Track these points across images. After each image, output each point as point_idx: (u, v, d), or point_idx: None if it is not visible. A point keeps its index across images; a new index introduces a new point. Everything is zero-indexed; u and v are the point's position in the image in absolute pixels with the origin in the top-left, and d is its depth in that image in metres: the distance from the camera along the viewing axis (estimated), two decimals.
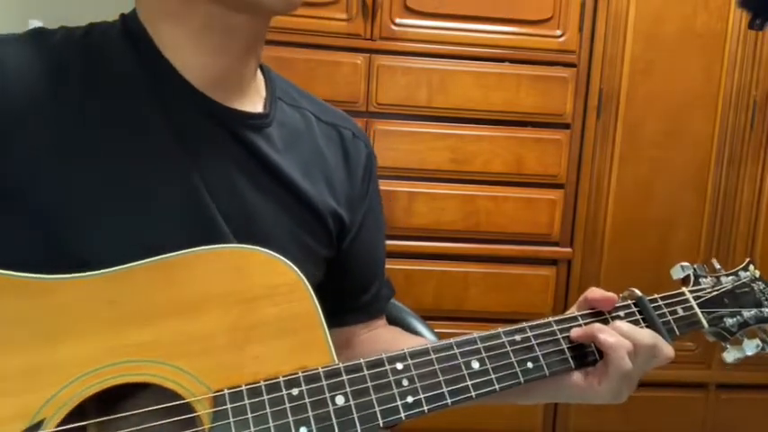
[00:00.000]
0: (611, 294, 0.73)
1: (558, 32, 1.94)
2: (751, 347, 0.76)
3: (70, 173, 0.62)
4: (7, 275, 0.57)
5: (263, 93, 0.77)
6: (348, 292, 0.84)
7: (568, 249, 2.04)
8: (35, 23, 1.90)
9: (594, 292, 0.73)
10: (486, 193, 1.97)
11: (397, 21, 1.89)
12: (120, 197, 0.64)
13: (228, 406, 0.58)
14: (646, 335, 0.69)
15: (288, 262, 0.64)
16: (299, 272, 0.64)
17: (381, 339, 0.86)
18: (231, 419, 0.58)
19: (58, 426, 0.55)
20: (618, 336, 0.68)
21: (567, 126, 1.99)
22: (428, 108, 1.92)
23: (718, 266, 0.82)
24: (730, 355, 0.77)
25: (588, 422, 2.12)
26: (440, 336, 1.10)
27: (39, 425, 0.54)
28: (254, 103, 0.74)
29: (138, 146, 0.66)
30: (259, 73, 0.78)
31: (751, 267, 0.83)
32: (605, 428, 2.13)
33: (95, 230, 0.63)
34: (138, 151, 0.65)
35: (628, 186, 2.04)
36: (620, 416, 2.12)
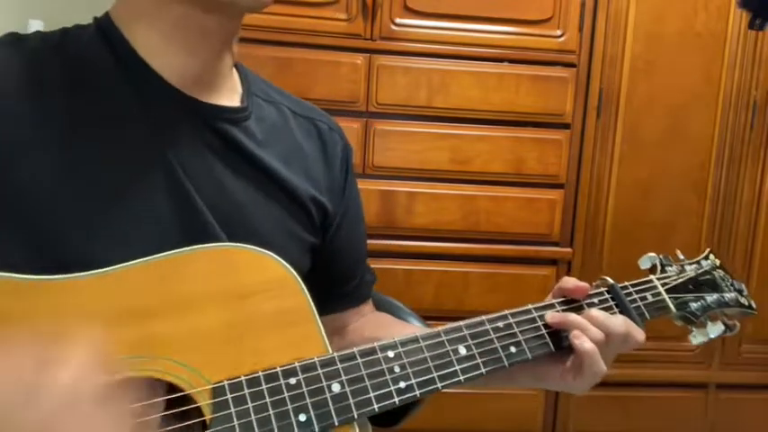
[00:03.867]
0: (583, 284, 0.77)
1: (558, 32, 1.94)
2: (714, 330, 0.82)
3: (53, 178, 0.63)
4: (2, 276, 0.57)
5: (239, 89, 0.78)
6: (335, 280, 0.86)
7: (568, 249, 2.04)
8: (35, 24, 1.90)
9: (567, 282, 0.78)
10: (486, 193, 1.97)
11: (397, 21, 1.89)
12: (104, 199, 0.64)
13: (229, 396, 0.60)
14: (619, 323, 0.73)
15: (278, 258, 0.66)
16: (289, 267, 0.67)
17: (371, 326, 0.89)
18: (232, 409, 0.59)
19: None
20: (592, 344, 0.71)
21: (566, 126, 1.99)
22: (428, 108, 1.92)
23: (681, 257, 0.89)
24: (696, 339, 0.83)
25: (588, 422, 2.12)
26: None
27: None
28: (232, 99, 0.76)
29: (119, 147, 0.66)
30: (234, 70, 0.79)
31: (711, 256, 0.89)
32: (605, 428, 2.13)
33: (82, 234, 0.63)
34: (120, 153, 0.66)
35: (628, 186, 2.04)
36: (620, 416, 2.12)
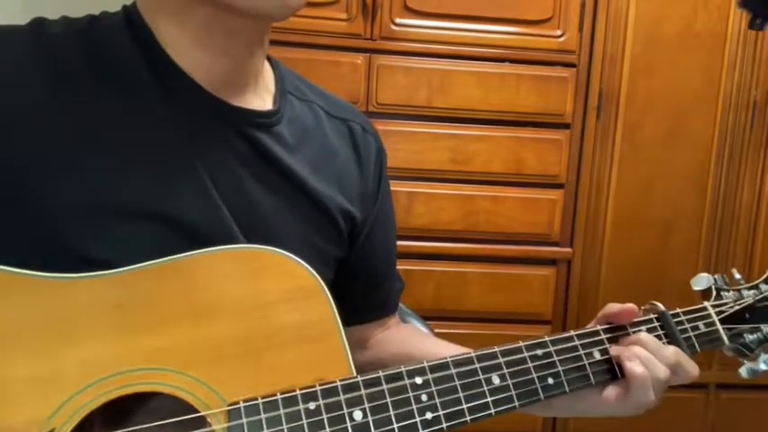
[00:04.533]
0: (629, 306, 0.72)
1: (558, 32, 1.94)
2: (766, 362, 0.76)
3: (74, 170, 0.61)
4: (12, 272, 0.55)
5: (272, 88, 0.75)
6: (362, 291, 0.82)
7: (568, 249, 2.04)
8: None
9: (612, 308, 0.72)
10: (486, 193, 1.97)
11: (397, 21, 1.89)
12: (127, 197, 0.62)
13: (244, 420, 0.56)
14: (670, 354, 0.68)
15: (305, 264, 0.62)
16: (316, 275, 0.63)
17: (396, 340, 0.85)
18: None
19: None
20: (644, 368, 0.67)
21: (567, 126, 1.98)
22: (428, 108, 1.92)
23: (738, 276, 0.81)
24: (745, 370, 0.77)
25: (588, 422, 2.12)
26: (440, 335, 1.10)
27: None
28: (263, 100, 0.73)
29: (145, 145, 0.64)
30: (268, 66, 0.76)
31: None
32: (605, 429, 2.13)
33: (100, 230, 0.61)
34: (145, 151, 0.64)
35: (628, 186, 2.03)
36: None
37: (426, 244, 1.95)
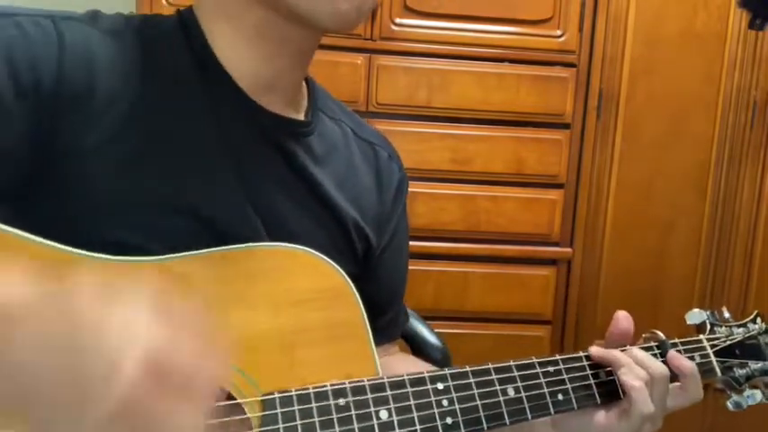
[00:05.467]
0: (622, 327, 0.75)
1: (558, 32, 1.94)
2: (752, 398, 0.83)
3: (117, 161, 0.62)
4: (56, 248, 0.55)
5: (305, 102, 0.77)
6: (368, 312, 0.84)
7: (568, 249, 2.04)
8: None
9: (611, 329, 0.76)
10: (486, 193, 1.97)
11: (397, 21, 1.89)
12: (164, 192, 0.64)
13: (279, 410, 0.59)
14: (661, 366, 0.72)
15: (336, 266, 0.65)
16: (347, 277, 0.65)
17: (395, 366, 0.85)
18: (281, 425, 0.58)
19: None
20: (642, 381, 0.70)
21: (567, 126, 1.98)
22: (428, 108, 1.92)
23: (727, 315, 0.86)
24: (732, 403, 0.83)
25: None
26: (440, 336, 1.10)
27: None
28: (297, 112, 0.75)
29: (185, 144, 0.66)
30: (303, 83, 0.78)
31: (758, 320, 0.87)
32: None
33: (137, 221, 0.62)
34: (185, 149, 0.66)
35: (628, 186, 2.03)
36: None
37: (426, 244, 1.95)
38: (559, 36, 1.94)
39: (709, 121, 2.02)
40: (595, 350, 0.73)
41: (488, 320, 2.00)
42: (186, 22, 0.69)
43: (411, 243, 1.70)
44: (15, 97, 0.58)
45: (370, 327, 0.83)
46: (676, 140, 2.02)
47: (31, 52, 0.59)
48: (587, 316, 2.06)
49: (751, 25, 0.78)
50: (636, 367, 0.70)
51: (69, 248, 0.56)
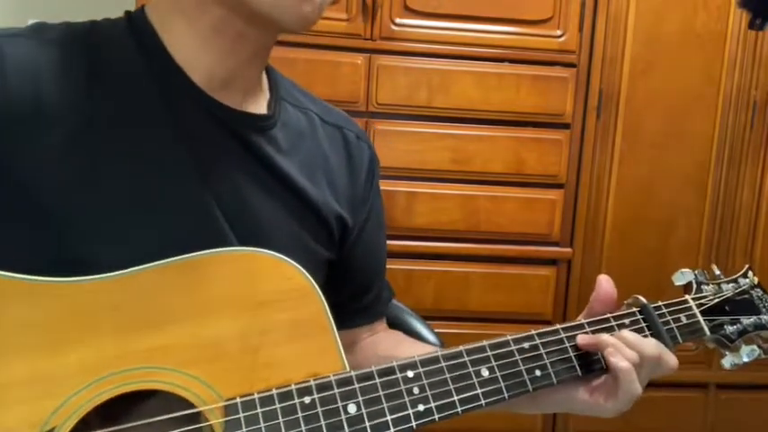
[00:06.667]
0: (606, 293, 0.75)
1: (558, 32, 1.94)
2: (748, 353, 0.78)
3: (73, 173, 0.62)
4: (11, 277, 0.56)
5: (267, 94, 0.76)
6: (350, 294, 0.84)
7: (568, 249, 2.04)
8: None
9: (594, 295, 0.75)
10: (486, 193, 1.97)
11: (397, 21, 1.89)
12: (123, 199, 0.63)
13: (241, 415, 0.58)
14: (651, 346, 0.70)
15: (298, 266, 0.64)
16: (309, 276, 0.64)
17: (383, 344, 0.86)
18: (244, 429, 0.57)
19: None
20: (628, 362, 0.68)
21: (567, 126, 1.98)
22: (428, 108, 1.92)
23: (717, 272, 0.83)
24: (728, 362, 0.79)
25: (588, 422, 2.12)
26: (440, 336, 1.10)
27: None
28: (259, 105, 0.74)
29: (142, 147, 0.65)
30: (264, 74, 0.77)
31: (750, 274, 0.84)
32: (605, 429, 2.13)
33: (98, 233, 0.62)
34: (142, 152, 0.65)
35: (628, 186, 2.03)
36: (620, 416, 2.12)
37: (427, 244, 1.95)
38: (559, 36, 1.94)
39: (709, 121, 2.02)
40: (581, 338, 0.71)
41: (488, 320, 2.00)
42: (136, 22, 0.68)
43: (411, 243, 1.69)
44: None
45: (355, 309, 0.84)
46: (676, 140, 2.02)
47: None
48: None
49: (751, 25, 0.78)
50: (624, 348, 0.69)
51: (27, 277, 0.56)
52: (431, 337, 1.08)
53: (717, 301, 0.79)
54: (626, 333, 0.71)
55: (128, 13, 0.70)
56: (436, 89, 1.92)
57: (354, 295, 0.85)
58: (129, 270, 0.59)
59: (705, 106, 2.01)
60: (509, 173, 1.97)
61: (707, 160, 2.04)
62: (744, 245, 2.09)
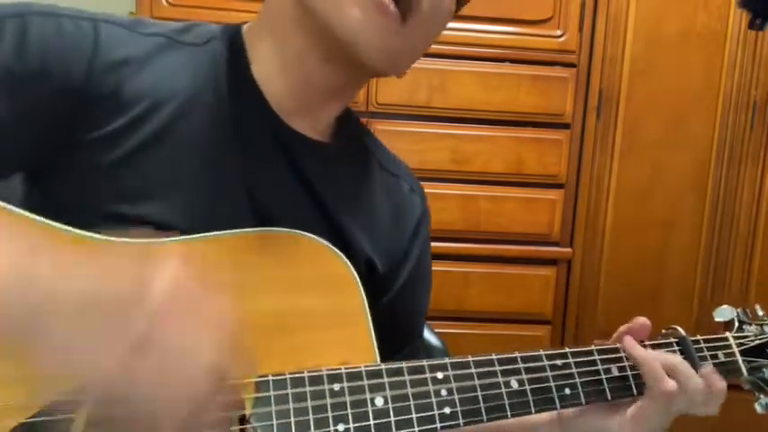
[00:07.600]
0: (642, 321, 0.73)
1: (558, 32, 1.94)
2: None
3: (127, 155, 0.63)
4: (80, 235, 0.57)
5: (334, 125, 0.77)
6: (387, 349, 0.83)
7: (568, 249, 2.04)
8: None
9: (632, 324, 0.74)
10: (487, 193, 1.97)
11: None
12: (175, 193, 0.64)
13: (272, 393, 0.59)
14: (701, 384, 0.69)
15: (340, 254, 0.65)
16: (350, 265, 0.65)
17: None
18: (273, 407, 0.58)
19: None
20: (673, 386, 0.67)
21: (567, 126, 1.98)
22: (428, 108, 1.92)
23: (761, 313, 0.82)
24: (761, 406, 0.79)
25: None
26: (440, 336, 1.10)
27: None
28: (323, 133, 0.75)
29: (201, 149, 0.66)
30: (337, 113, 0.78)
31: None
32: None
33: (140, 201, 0.63)
34: (200, 153, 0.66)
35: (628, 186, 2.03)
36: None
37: None
38: (559, 36, 1.94)
39: (709, 122, 2.02)
40: (638, 349, 0.70)
41: (488, 320, 2.00)
42: (233, 40, 0.71)
43: None
44: (41, 84, 0.60)
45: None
46: (676, 140, 2.02)
47: (63, 50, 0.62)
48: (587, 316, 2.06)
49: (751, 25, 0.78)
50: (679, 372, 0.68)
51: (97, 235, 0.58)
52: (431, 338, 1.08)
53: (758, 342, 0.77)
54: (679, 359, 0.70)
55: (226, 27, 0.73)
56: (436, 89, 1.92)
57: (383, 353, 0.84)
58: (183, 237, 0.60)
59: (705, 106, 2.01)
60: (509, 173, 1.97)
61: (707, 160, 2.04)
62: (744, 245, 2.09)
